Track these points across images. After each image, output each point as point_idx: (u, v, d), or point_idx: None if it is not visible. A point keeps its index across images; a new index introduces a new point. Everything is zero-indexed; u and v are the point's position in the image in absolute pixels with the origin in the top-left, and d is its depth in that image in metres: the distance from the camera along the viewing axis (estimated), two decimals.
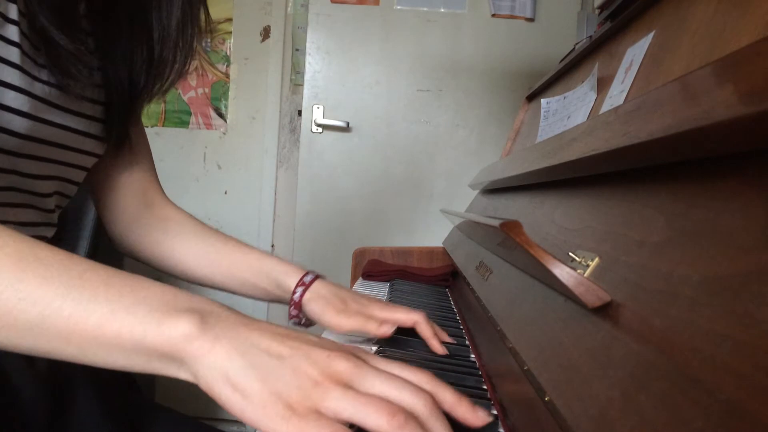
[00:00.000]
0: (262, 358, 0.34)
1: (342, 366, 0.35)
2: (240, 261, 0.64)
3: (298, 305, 0.60)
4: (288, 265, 0.63)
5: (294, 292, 0.60)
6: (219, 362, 0.34)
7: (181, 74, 0.59)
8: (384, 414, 0.32)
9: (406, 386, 0.35)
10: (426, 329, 0.58)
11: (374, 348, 0.57)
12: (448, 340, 0.60)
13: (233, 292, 0.66)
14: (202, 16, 0.60)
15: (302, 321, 0.62)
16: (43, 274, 0.34)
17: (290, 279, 0.62)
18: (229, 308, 0.38)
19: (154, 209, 0.69)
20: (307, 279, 0.61)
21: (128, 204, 0.67)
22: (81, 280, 0.35)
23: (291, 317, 0.62)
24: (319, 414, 0.32)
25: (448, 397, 0.36)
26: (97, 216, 1.39)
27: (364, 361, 0.36)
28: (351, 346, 0.38)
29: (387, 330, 0.56)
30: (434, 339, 0.57)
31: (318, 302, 0.59)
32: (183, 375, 0.35)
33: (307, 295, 0.60)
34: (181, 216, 0.69)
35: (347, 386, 0.34)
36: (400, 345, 0.58)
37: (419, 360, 0.54)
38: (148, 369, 0.35)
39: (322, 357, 0.35)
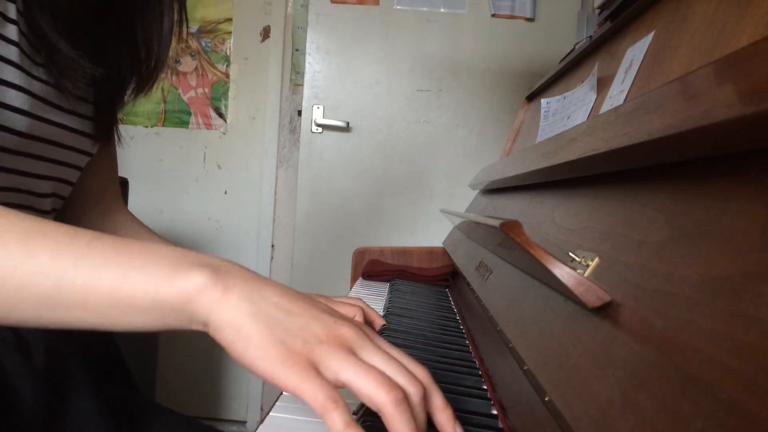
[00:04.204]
0: (271, 309, 0.35)
1: (349, 332, 0.35)
2: None
3: None
4: None
5: None
6: (229, 308, 0.34)
7: (163, 69, 0.61)
8: (383, 386, 0.33)
9: (403, 370, 0.35)
10: (369, 315, 0.61)
11: None
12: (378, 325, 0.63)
13: None
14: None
15: None
16: (53, 247, 0.35)
17: None
18: (241, 265, 0.38)
19: (110, 216, 0.71)
20: None
21: (87, 209, 0.69)
22: (90, 249, 0.35)
23: None
24: (318, 371, 0.33)
25: (438, 400, 0.36)
26: None
27: (369, 336, 0.37)
28: (359, 322, 0.39)
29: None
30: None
31: None
32: (195, 326, 0.35)
33: None
34: (137, 226, 0.72)
35: (351, 351, 0.35)
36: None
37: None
38: (161, 325, 0.36)
39: (330, 320, 0.36)
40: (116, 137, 0.62)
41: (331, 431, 0.32)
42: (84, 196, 0.68)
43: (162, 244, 0.37)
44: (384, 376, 0.34)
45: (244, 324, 0.34)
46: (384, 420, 0.33)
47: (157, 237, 0.71)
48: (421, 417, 0.34)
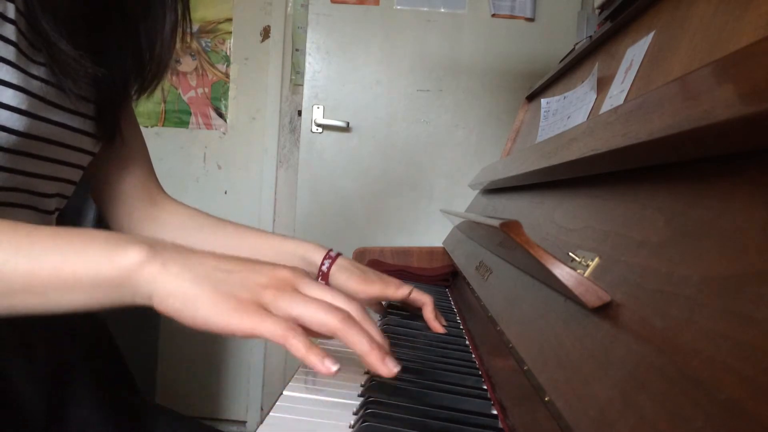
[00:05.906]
0: (211, 272, 0.37)
1: (288, 274, 0.39)
2: (261, 245, 0.70)
3: (326, 276, 0.67)
4: (310, 243, 0.70)
5: (322, 264, 0.67)
6: (170, 279, 0.36)
7: (166, 71, 0.61)
8: (330, 311, 0.37)
9: (341, 297, 0.40)
10: (429, 312, 0.67)
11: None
12: (441, 330, 0.67)
13: None
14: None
15: None
16: None
17: (316, 254, 0.68)
18: (174, 242, 0.41)
19: (159, 205, 0.71)
20: (333, 253, 0.68)
21: (133, 204, 0.69)
22: (29, 239, 0.37)
23: None
24: (270, 312, 0.36)
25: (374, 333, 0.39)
26: (98, 216, 1.39)
27: (307, 275, 0.40)
28: (292, 266, 0.41)
29: (404, 292, 0.63)
30: (435, 321, 0.66)
31: (343, 273, 0.66)
32: (139, 300, 0.37)
33: (334, 267, 0.67)
34: (189, 210, 0.72)
35: (294, 289, 0.38)
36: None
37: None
38: (107, 302, 0.38)
39: (268, 268, 0.39)
40: (119, 136, 0.61)
41: (295, 355, 0.35)
42: (126, 191, 0.68)
43: (97, 230, 0.40)
44: (328, 303, 0.37)
45: (189, 289, 0.36)
46: (340, 338, 0.37)
47: (216, 221, 0.71)
48: (370, 325, 0.39)
